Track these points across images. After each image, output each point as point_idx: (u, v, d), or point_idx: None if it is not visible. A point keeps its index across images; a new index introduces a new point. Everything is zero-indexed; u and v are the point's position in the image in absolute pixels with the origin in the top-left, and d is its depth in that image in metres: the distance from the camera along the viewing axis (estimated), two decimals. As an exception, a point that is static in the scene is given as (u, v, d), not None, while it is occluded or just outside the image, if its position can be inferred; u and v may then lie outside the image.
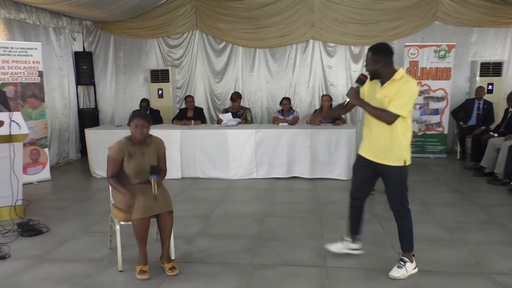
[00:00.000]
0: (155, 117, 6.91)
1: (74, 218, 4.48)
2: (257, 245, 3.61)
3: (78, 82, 8.14)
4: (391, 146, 2.84)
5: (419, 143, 7.53)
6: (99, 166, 6.19)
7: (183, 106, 7.69)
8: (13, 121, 4.33)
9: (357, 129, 7.42)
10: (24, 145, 5.07)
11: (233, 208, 4.73)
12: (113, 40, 8.40)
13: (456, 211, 4.52)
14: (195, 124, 6.60)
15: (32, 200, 4.86)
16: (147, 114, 3.29)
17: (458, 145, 7.35)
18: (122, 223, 3.17)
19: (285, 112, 6.76)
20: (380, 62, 2.78)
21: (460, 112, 7.37)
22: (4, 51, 5.78)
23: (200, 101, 8.20)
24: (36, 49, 6.09)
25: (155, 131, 5.76)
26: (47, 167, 6.28)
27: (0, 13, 6.05)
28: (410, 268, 3.02)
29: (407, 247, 3.04)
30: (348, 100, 2.88)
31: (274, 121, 6.68)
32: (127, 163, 3.19)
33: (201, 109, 7.09)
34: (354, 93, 2.86)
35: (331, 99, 6.66)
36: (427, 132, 7.49)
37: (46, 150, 6.32)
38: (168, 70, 8.11)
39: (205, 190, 5.58)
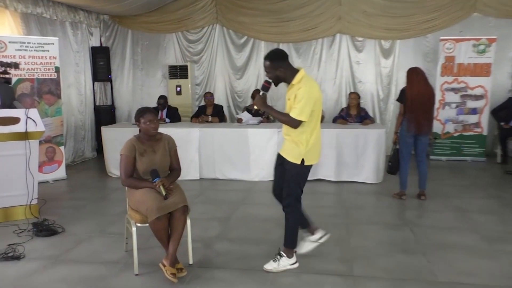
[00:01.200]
0: (173, 115, 6.99)
1: (90, 218, 4.58)
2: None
3: (95, 78, 8.32)
4: (293, 143, 3.14)
5: (455, 145, 7.36)
6: (115, 165, 6.30)
7: (202, 103, 7.74)
8: (29, 118, 4.45)
9: (387, 129, 7.33)
10: (40, 142, 5.22)
11: (254, 211, 4.74)
12: (130, 34, 8.55)
13: (495, 219, 4.39)
14: (212, 121, 6.64)
15: (47, 199, 5.00)
16: (153, 109, 3.39)
17: (499, 147, 7.15)
18: (139, 225, 3.21)
19: (309, 111, 6.72)
20: (279, 68, 3.08)
21: (502, 112, 7.16)
22: (21, 46, 5.95)
23: (220, 99, 8.24)
24: (53, 44, 6.26)
25: (173, 130, 5.85)
26: (63, 166, 6.45)
27: (17, 7, 6.24)
28: (285, 263, 3.27)
29: (287, 242, 3.29)
30: (255, 107, 3.18)
31: (298, 120, 6.64)
32: (139, 161, 3.26)
33: (221, 107, 7.12)
34: (260, 100, 3.16)
35: (359, 97, 6.59)
36: (464, 133, 7.32)
37: (62, 148, 6.48)
38: (187, 66, 8.19)
39: (224, 192, 5.61)
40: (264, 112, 6.78)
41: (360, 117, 6.40)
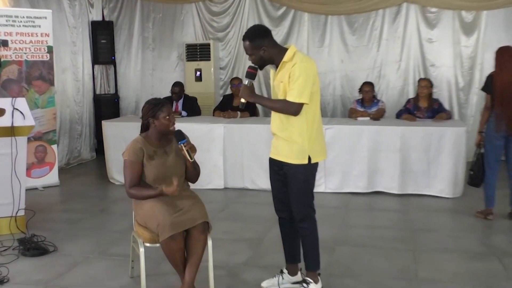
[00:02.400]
0: (191, 107, 7.06)
1: (88, 235, 4.69)
2: (325, 283, 3.57)
3: (95, 61, 8.52)
4: (291, 139, 3.20)
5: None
6: (119, 169, 6.38)
7: (228, 92, 7.79)
8: (16, 109, 4.58)
9: (469, 127, 7.14)
10: (28, 140, 5.39)
11: (293, 231, 4.73)
12: (139, 6, 8.70)
13: None
14: (242, 117, 6.66)
15: (36, 210, 5.12)
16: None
17: None
18: (148, 245, 3.26)
19: (366, 102, 6.67)
20: (261, 47, 3.21)
21: None
22: (7, 20, 6.15)
23: (250, 86, 8.26)
24: (45, 18, 6.44)
25: (191, 125, 5.90)
26: (55, 169, 6.63)
27: (3, -28, 6.47)
28: None
29: (312, 264, 3.37)
30: (243, 101, 3.30)
31: (351, 114, 6.61)
32: (148, 165, 3.32)
33: (252, 97, 7.12)
34: (247, 90, 3.26)
35: (431, 85, 6.47)
36: None
37: (54, 147, 6.67)
38: (209, 45, 8.27)
39: (255, 205, 5.63)
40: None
41: (433, 111, 6.29)
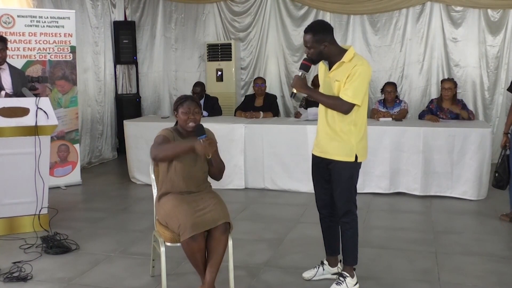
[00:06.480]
0: (212, 107, 7.11)
1: (109, 234, 4.76)
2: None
3: (117, 61, 8.62)
4: (339, 138, 3.31)
5: None
6: (140, 169, 6.50)
7: (250, 91, 7.81)
8: (40, 108, 4.68)
9: (494, 128, 7.07)
10: (52, 139, 5.49)
11: (313, 232, 4.71)
12: (162, 6, 8.78)
13: None
14: (264, 117, 6.68)
15: (59, 209, 5.23)
16: (197, 98, 3.49)
17: None
18: (169, 244, 3.29)
19: (388, 103, 6.63)
20: (323, 42, 3.26)
21: None
22: (31, 21, 6.28)
23: (272, 87, 8.29)
24: (68, 18, 6.54)
25: (212, 125, 5.92)
26: (78, 168, 6.74)
27: (27, -26, 6.60)
28: (350, 284, 3.42)
29: (350, 259, 3.47)
30: (294, 91, 3.37)
31: (373, 115, 6.58)
32: (178, 161, 3.36)
33: (274, 97, 7.16)
34: (300, 82, 3.34)
35: (455, 86, 6.39)
36: None
37: (76, 146, 6.78)
38: (230, 45, 8.30)
39: (276, 205, 5.65)
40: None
41: (455, 113, 6.23)
